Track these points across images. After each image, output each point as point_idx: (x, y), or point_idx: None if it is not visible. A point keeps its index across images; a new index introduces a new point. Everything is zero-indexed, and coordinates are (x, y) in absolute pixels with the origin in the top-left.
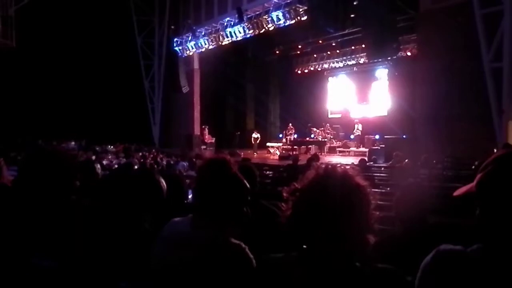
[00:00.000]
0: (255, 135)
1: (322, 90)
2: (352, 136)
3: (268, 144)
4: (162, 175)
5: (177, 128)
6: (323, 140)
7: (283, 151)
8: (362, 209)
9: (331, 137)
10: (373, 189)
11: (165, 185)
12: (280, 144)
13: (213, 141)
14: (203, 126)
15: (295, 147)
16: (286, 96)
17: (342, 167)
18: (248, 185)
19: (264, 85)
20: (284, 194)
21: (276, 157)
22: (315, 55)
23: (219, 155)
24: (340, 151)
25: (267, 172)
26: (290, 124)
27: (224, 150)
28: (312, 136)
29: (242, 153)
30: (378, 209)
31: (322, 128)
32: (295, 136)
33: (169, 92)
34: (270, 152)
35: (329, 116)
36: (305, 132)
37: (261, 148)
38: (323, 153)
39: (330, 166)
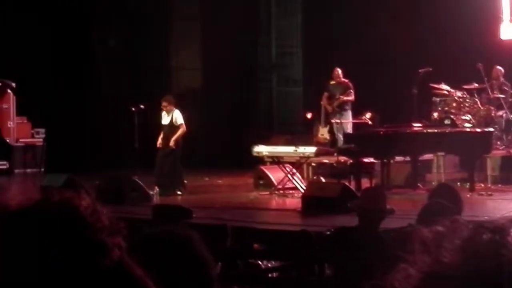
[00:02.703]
0: (168, 111)
1: None
2: None
3: (258, 149)
4: None
5: None
6: (484, 130)
7: (323, 174)
8: None
9: None
10: None
11: None
12: (311, 151)
13: (39, 141)
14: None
15: (367, 159)
16: None
17: None
18: None
19: None
20: None
21: (295, 201)
22: None
23: (55, 194)
24: None
25: (260, 259)
26: (338, 71)
27: (83, 178)
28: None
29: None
30: None
31: (475, 84)
32: (367, 117)
33: None
34: (267, 181)
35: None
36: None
37: (221, 163)
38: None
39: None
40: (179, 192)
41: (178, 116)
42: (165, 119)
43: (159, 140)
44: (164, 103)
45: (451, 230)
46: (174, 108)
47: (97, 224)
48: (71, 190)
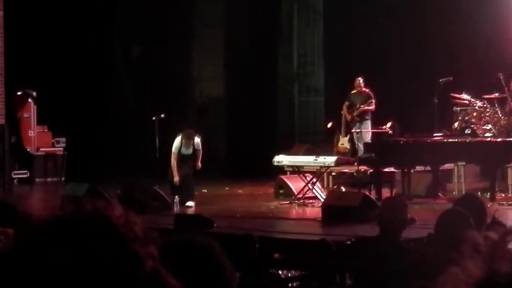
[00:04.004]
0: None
1: None
2: None
3: (279, 158)
4: None
5: None
6: (505, 139)
7: (344, 184)
8: None
9: None
10: None
11: None
12: (332, 160)
13: (59, 150)
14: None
15: (387, 168)
16: None
17: None
18: None
19: None
20: None
21: (315, 211)
22: None
23: (87, 203)
24: None
25: (280, 268)
26: (360, 80)
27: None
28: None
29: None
30: None
31: (496, 94)
32: (388, 126)
33: None
34: (288, 191)
35: None
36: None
37: (244, 174)
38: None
39: None
40: (190, 204)
41: (199, 142)
42: (186, 150)
43: (176, 171)
44: (187, 141)
45: (505, 239)
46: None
47: (129, 234)
48: (97, 199)
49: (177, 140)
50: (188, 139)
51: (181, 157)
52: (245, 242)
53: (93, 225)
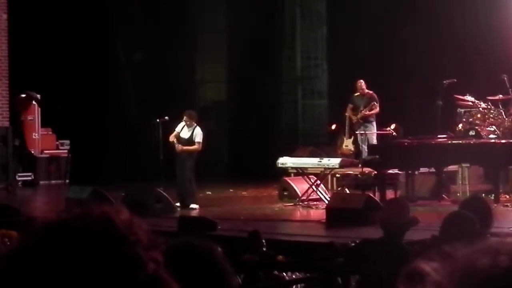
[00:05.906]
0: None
1: None
2: None
3: (283, 160)
4: None
5: None
6: (509, 141)
7: (348, 186)
8: None
9: None
10: None
11: None
12: (336, 162)
13: (64, 152)
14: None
15: (391, 170)
16: None
17: None
18: None
19: None
20: None
21: (320, 213)
22: None
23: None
24: None
25: (284, 270)
26: (361, 82)
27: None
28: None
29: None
30: None
31: (500, 96)
32: (392, 128)
33: None
34: (292, 193)
35: None
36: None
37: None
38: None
39: None
40: (193, 206)
41: (198, 134)
42: (185, 132)
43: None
44: (185, 117)
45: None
46: (195, 124)
47: (131, 238)
48: (101, 201)
49: (180, 124)
50: (189, 118)
51: (179, 139)
52: (252, 239)
53: (96, 228)
